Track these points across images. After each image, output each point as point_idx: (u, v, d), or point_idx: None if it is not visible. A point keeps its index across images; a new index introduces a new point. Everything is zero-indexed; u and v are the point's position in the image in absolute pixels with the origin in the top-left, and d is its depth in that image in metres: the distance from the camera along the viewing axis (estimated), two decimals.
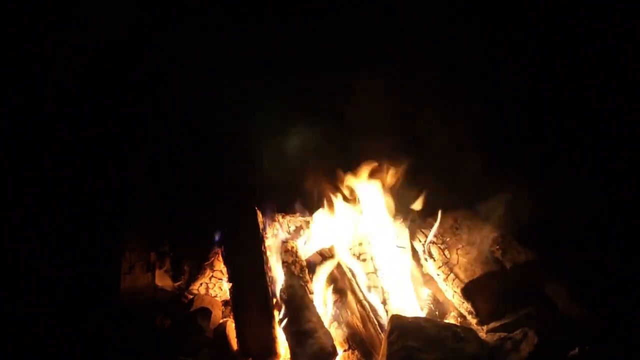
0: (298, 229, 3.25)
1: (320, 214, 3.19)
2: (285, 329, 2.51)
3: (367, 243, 3.13)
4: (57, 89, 3.56)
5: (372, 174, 3.15)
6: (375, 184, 3.14)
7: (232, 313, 2.76)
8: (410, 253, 3.07)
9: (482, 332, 2.63)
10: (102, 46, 3.63)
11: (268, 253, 2.88)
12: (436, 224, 3.02)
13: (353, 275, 2.86)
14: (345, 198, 3.17)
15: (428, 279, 3.07)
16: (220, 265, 3.01)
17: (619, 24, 3.33)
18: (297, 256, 2.94)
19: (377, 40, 3.77)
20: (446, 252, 2.94)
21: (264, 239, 2.94)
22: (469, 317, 2.75)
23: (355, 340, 2.56)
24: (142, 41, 3.72)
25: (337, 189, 3.18)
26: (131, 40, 3.69)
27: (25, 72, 3.50)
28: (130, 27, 3.64)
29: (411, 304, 2.86)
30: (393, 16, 3.80)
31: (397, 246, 3.03)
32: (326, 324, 2.57)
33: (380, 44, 3.77)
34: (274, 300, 2.67)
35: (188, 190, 3.54)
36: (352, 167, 3.18)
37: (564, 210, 3.04)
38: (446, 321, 2.80)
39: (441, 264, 2.92)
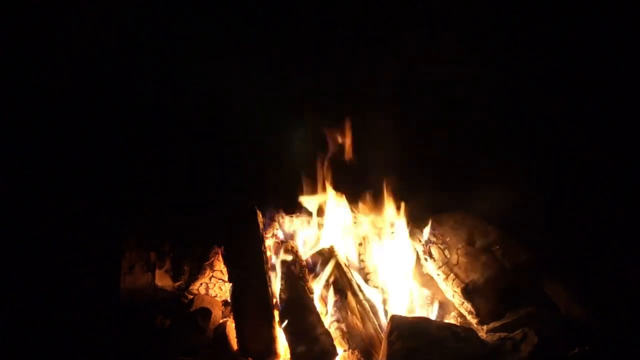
0: (298, 229, 3.25)
1: (320, 214, 3.19)
2: (285, 329, 2.51)
3: (367, 243, 3.12)
4: (59, 88, 3.56)
5: None
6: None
7: (232, 313, 2.76)
8: (410, 253, 3.06)
9: (482, 332, 2.63)
10: (101, 46, 3.63)
11: (268, 253, 2.88)
12: (427, 228, 3.04)
13: (353, 275, 2.86)
14: (346, 198, 3.18)
15: (428, 279, 3.07)
16: (220, 265, 3.02)
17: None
18: (297, 256, 2.94)
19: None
20: (446, 252, 2.94)
21: (264, 239, 2.93)
22: (469, 317, 2.75)
23: (355, 340, 2.55)
24: (137, 40, 3.71)
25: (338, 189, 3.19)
26: (126, 39, 3.68)
27: (25, 71, 3.50)
28: (129, 26, 3.64)
29: (411, 304, 2.86)
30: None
31: (397, 246, 3.03)
32: (326, 324, 2.57)
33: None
34: (274, 300, 2.67)
35: (188, 190, 3.54)
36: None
37: (564, 209, 3.04)
38: (446, 321, 2.80)
39: (441, 264, 2.92)
